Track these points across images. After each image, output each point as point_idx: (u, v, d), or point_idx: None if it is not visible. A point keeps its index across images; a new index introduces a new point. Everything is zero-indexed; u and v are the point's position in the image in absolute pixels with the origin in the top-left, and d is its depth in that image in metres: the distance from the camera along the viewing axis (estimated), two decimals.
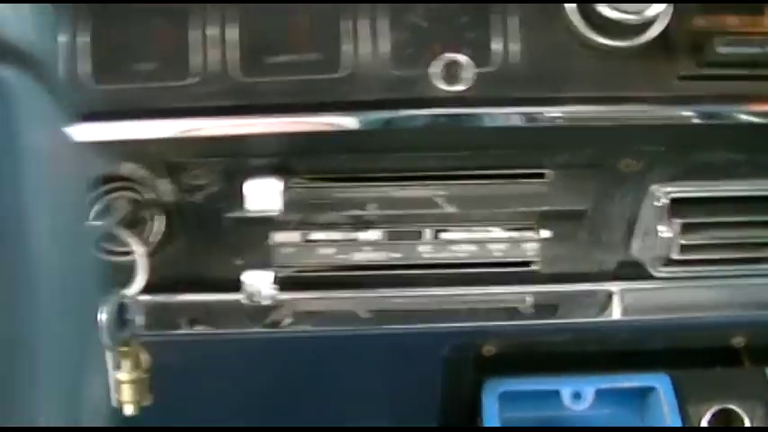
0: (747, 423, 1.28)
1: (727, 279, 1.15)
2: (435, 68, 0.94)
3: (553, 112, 0.97)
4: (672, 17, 0.95)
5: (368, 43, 0.96)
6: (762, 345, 1.31)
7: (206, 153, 1.02)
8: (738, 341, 1.31)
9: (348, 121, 0.96)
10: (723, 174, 1.09)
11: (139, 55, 0.96)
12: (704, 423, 1.27)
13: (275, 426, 1.31)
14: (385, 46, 0.96)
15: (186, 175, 1.04)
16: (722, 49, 0.93)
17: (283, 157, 1.04)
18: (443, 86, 0.93)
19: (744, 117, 0.99)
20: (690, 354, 1.31)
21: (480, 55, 0.95)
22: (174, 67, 0.96)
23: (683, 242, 1.08)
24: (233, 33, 0.96)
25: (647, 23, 0.93)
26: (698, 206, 1.09)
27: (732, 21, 0.98)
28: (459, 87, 0.93)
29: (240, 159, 1.03)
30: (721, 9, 0.98)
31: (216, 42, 0.96)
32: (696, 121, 0.98)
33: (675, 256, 1.09)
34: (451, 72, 0.93)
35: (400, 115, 0.96)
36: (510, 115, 0.96)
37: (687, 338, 1.28)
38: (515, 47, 0.97)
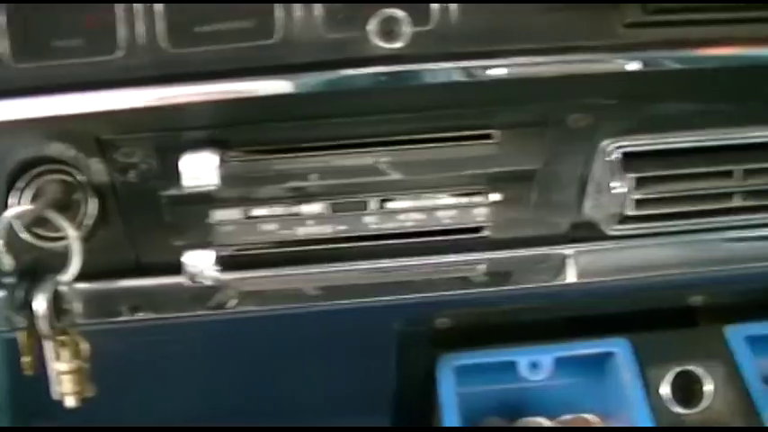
0: (708, 384, 1.26)
1: (682, 235, 1.13)
2: (372, 26, 0.90)
3: (496, 66, 0.93)
4: None
5: (301, 6, 0.92)
6: (719, 303, 1.30)
7: (137, 128, 0.98)
8: (696, 300, 1.29)
9: (283, 85, 0.91)
10: (675, 125, 1.06)
11: (64, 31, 0.91)
12: (664, 386, 1.25)
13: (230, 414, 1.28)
14: (318, 8, 0.92)
15: (118, 153, 0.99)
16: None
17: (219, 130, 0.99)
18: (381, 44, 0.89)
19: (692, 64, 0.97)
20: (647, 316, 1.29)
21: (418, 13, 0.91)
22: (99, 41, 0.91)
23: (637, 197, 1.06)
24: (160, 4, 0.91)
25: None
26: (651, 159, 1.07)
27: None
28: (397, 44, 0.90)
29: (173, 133, 0.98)
30: None
31: (142, 14, 0.91)
32: (644, 69, 0.95)
33: (630, 212, 1.07)
34: (388, 29, 0.89)
35: (338, 76, 0.91)
36: (451, 71, 0.93)
37: (644, 300, 1.27)
38: (454, 1, 0.93)
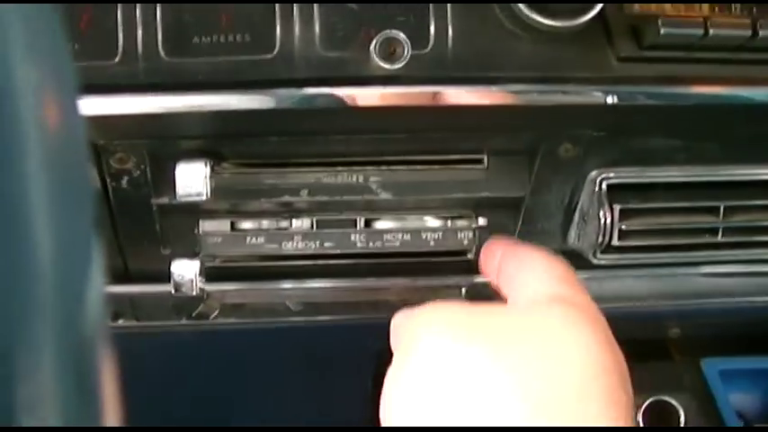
0: (682, 415, 1.27)
1: (663, 268, 1.15)
2: (371, 46, 0.90)
3: (490, 92, 0.94)
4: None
5: (301, 24, 0.93)
6: (696, 335, 1.31)
7: (132, 135, 0.98)
8: (674, 332, 1.30)
9: (280, 100, 0.92)
10: (662, 160, 1.08)
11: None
12: (639, 415, 1.26)
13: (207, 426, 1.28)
14: (318, 27, 0.93)
15: (112, 159, 0.99)
16: (665, 30, 0.91)
17: (212, 141, 1.00)
18: (380, 64, 0.90)
19: (683, 101, 0.98)
20: (624, 346, 1.30)
21: (416, 36, 0.92)
22: (97, 46, 0.91)
23: (622, 227, 1.07)
24: (159, 13, 0.92)
25: (588, 3, 0.91)
26: (636, 192, 1.08)
27: (670, 5, 0.97)
28: (396, 66, 0.90)
29: (168, 142, 0.99)
30: None
31: (142, 22, 0.92)
32: (636, 103, 0.96)
33: (615, 243, 1.08)
34: (388, 50, 0.90)
35: (336, 94, 0.92)
36: (444, 95, 0.93)
37: (622, 330, 1.27)
38: (452, 27, 0.94)
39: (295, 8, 0.92)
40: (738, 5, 0.96)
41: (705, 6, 0.97)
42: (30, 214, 0.38)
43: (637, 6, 0.95)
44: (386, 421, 0.83)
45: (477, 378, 0.76)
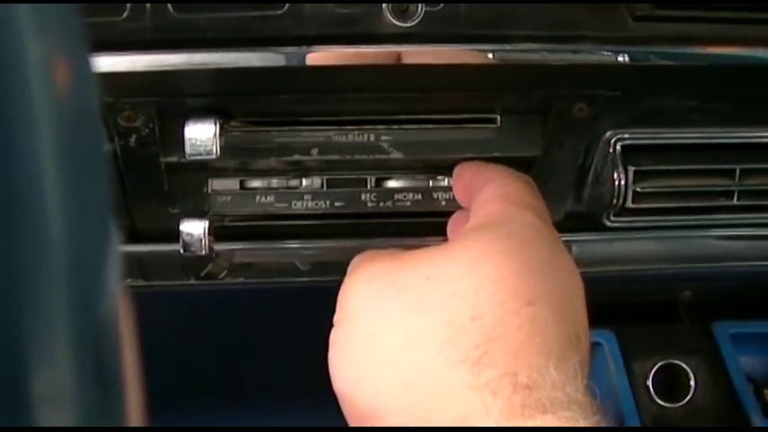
0: (692, 378, 1.27)
1: (676, 230, 1.14)
2: (383, 2, 0.89)
3: (503, 51, 0.92)
4: None
5: None
6: (707, 299, 1.31)
7: (140, 92, 0.96)
8: (685, 295, 1.30)
9: (289, 57, 0.90)
10: (677, 121, 1.06)
11: None
12: (649, 378, 1.26)
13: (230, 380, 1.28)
14: None
15: (120, 117, 0.98)
16: None
17: (221, 99, 0.99)
18: (393, 21, 0.88)
19: (698, 61, 0.96)
20: (635, 309, 1.30)
21: None
22: (102, 3, 0.90)
23: (636, 189, 1.06)
24: None
25: None
26: (651, 153, 1.07)
27: None
28: (409, 24, 0.89)
29: (176, 99, 0.98)
30: None
31: None
32: (651, 62, 0.94)
33: (629, 205, 1.07)
34: (401, 6, 0.89)
35: (347, 51, 0.91)
36: (457, 53, 0.92)
37: (633, 293, 1.27)
38: None
39: None
40: None
41: None
42: (42, 187, 0.37)
43: None
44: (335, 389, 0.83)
45: (396, 333, 0.76)
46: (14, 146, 0.36)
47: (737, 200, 1.09)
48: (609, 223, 1.10)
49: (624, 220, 1.10)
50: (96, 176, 0.43)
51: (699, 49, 0.96)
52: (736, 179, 1.08)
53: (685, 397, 1.26)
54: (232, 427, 1.34)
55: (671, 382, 1.26)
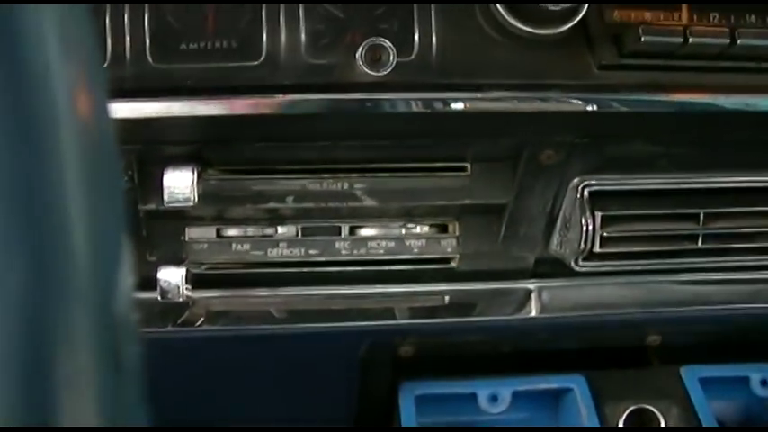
0: (662, 422, 1.28)
1: (643, 275, 1.16)
2: (357, 53, 0.92)
3: (473, 99, 0.95)
4: (594, 6, 0.95)
5: (288, 31, 0.94)
6: (676, 343, 1.32)
7: (118, 140, 0.98)
8: (653, 339, 1.31)
9: (266, 106, 0.93)
10: (643, 167, 1.09)
11: None
12: (620, 423, 1.27)
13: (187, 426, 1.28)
14: (304, 34, 0.94)
15: None
16: (646, 38, 0.93)
17: (199, 147, 1.01)
18: (366, 70, 0.91)
19: (662, 108, 0.99)
20: (605, 354, 1.31)
21: (401, 43, 0.94)
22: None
23: (604, 234, 1.08)
24: (147, 19, 0.93)
25: (570, 11, 0.93)
26: (618, 199, 1.09)
27: (650, 13, 0.98)
28: (382, 72, 0.91)
29: (154, 147, 1.00)
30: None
31: (130, 28, 0.93)
32: (617, 110, 0.97)
33: (596, 249, 1.09)
34: (374, 56, 0.91)
35: (322, 99, 0.93)
36: (430, 101, 0.95)
37: (603, 337, 1.28)
38: (436, 35, 0.95)
39: (281, 16, 0.93)
40: (717, 14, 0.98)
41: (684, 15, 0.99)
42: (65, 200, 0.40)
43: (617, 14, 0.97)
44: None
45: None
46: (42, 162, 0.39)
47: (702, 243, 1.11)
48: (578, 268, 1.12)
49: (592, 265, 1.12)
50: (113, 192, 0.46)
51: (663, 97, 0.99)
52: (701, 223, 1.10)
53: None
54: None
55: (642, 426, 1.27)
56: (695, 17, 0.98)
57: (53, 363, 0.39)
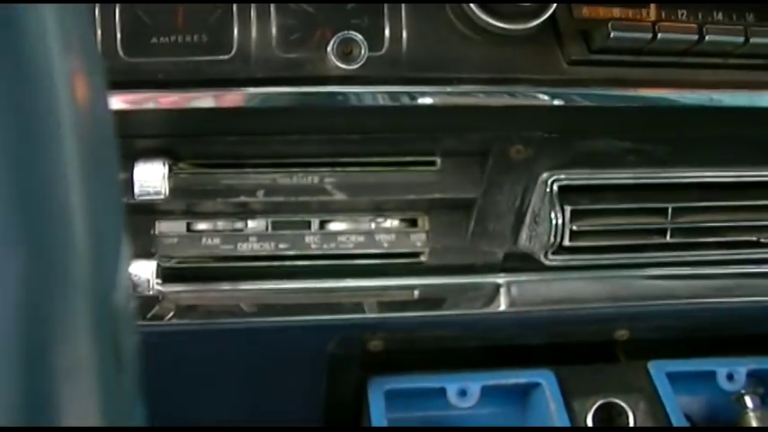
0: (630, 416, 1.29)
1: (612, 270, 1.16)
2: (328, 46, 0.92)
3: (442, 93, 0.96)
4: (563, 2, 0.96)
5: (258, 25, 0.94)
6: (643, 338, 1.33)
7: None
8: (621, 334, 1.32)
9: (237, 99, 0.93)
10: (612, 161, 1.10)
11: None
12: (589, 418, 1.28)
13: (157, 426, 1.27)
14: (275, 28, 0.94)
15: None
16: (615, 34, 0.94)
17: (169, 140, 1.01)
18: (337, 64, 0.91)
19: (630, 103, 1.01)
20: (573, 348, 1.31)
21: (372, 37, 0.94)
22: None
23: (573, 228, 1.09)
24: (118, 13, 0.93)
25: (540, 8, 0.93)
26: (587, 193, 1.10)
27: (619, 9, 0.99)
28: (353, 66, 0.92)
29: (126, 141, 0.99)
30: None
31: (101, 22, 0.92)
32: (586, 105, 0.98)
33: (566, 243, 1.09)
34: (345, 50, 0.92)
35: (292, 93, 0.93)
36: (400, 95, 0.95)
37: (571, 332, 1.29)
38: (407, 30, 0.96)
39: (252, 10, 0.94)
40: (685, 11, 0.99)
41: (653, 11, 1.00)
42: (66, 191, 0.40)
43: (586, 10, 0.97)
44: None
45: None
46: (42, 152, 0.39)
47: (670, 237, 1.12)
48: (547, 262, 1.13)
49: (561, 259, 1.13)
50: (111, 183, 0.47)
51: (631, 92, 1.00)
52: (669, 217, 1.11)
53: None
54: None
55: (610, 421, 1.28)
56: (663, 14, 0.99)
57: (54, 352, 0.39)
